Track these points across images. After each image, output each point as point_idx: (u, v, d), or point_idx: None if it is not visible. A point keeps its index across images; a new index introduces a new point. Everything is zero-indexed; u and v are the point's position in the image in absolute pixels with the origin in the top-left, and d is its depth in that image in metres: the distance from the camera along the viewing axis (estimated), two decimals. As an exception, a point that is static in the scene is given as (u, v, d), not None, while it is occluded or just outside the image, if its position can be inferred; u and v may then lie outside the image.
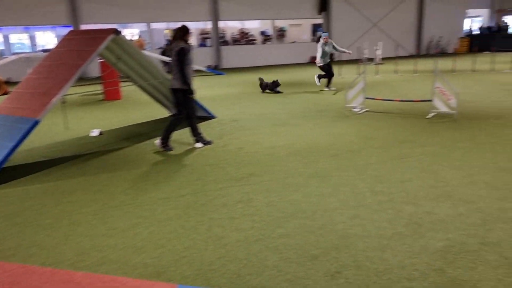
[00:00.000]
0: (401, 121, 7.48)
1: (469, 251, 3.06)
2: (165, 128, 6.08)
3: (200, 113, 8.34)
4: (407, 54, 23.62)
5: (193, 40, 21.15)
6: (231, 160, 5.55)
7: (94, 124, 8.29)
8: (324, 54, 11.53)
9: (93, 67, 14.09)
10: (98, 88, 12.66)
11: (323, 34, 11.84)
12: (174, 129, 6.09)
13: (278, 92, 11.49)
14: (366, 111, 8.34)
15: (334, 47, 11.65)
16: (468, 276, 2.74)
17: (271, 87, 11.60)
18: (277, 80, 11.60)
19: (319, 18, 22.49)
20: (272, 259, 3.05)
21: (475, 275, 2.75)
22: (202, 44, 21.14)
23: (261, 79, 12.05)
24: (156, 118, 8.67)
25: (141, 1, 18.85)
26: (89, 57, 5.81)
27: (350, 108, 8.54)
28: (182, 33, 5.79)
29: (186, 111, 6.05)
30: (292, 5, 21.54)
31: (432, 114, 7.71)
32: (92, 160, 5.86)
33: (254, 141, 6.46)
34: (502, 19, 26.38)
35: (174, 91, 5.92)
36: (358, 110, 8.41)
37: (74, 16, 17.87)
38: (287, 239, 3.33)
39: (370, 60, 18.96)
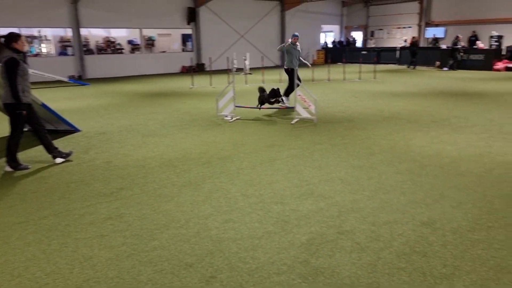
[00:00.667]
0: (269, 127, 7.95)
1: (328, 241, 3.40)
2: (6, 148, 5.45)
3: (62, 127, 7.70)
4: (272, 65, 25.18)
5: (51, 48, 19.39)
6: (99, 175, 5.24)
7: None
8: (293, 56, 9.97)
9: None
10: None
11: (294, 35, 10.28)
12: (15, 147, 5.47)
13: (279, 102, 9.16)
14: (237, 119, 8.66)
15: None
16: (327, 264, 3.04)
17: (267, 99, 9.08)
18: (277, 89, 9.07)
19: (188, 28, 22.64)
20: (146, 273, 2.97)
21: (333, 262, 3.07)
22: (63, 53, 19.50)
23: (262, 89, 9.38)
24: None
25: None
26: None
27: (222, 116, 8.78)
28: (9, 41, 5.18)
29: (33, 127, 5.55)
30: (160, 14, 21.29)
31: (296, 119, 8.36)
32: None
33: (123, 154, 6.21)
34: (351, 35, 29.93)
35: (6, 106, 5.33)
36: (230, 118, 8.68)
37: None
38: (161, 251, 3.28)
39: (240, 70, 19.73)
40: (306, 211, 4.00)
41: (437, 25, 25.29)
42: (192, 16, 22.22)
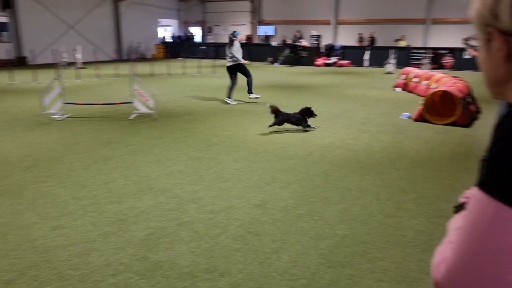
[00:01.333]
0: (105, 124, 7.50)
1: (168, 234, 3.39)
2: None
3: None
4: (108, 59, 23.77)
5: None
6: None
7: None
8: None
9: None
10: None
11: (237, 33, 10.08)
12: None
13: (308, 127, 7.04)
14: (68, 117, 7.93)
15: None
16: (166, 257, 3.03)
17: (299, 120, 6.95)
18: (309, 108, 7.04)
19: (3, 16, 19.71)
20: (-51, 300, 2.51)
21: (172, 254, 3.07)
22: None
23: (276, 110, 6.93)
24: None
25: None
26: None
27: (49, 115, 7.92)
28: None
29: None
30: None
31: (134, 115, 8.06)
32: None
33: None
34: (189, 30, 30.21)
35: None
36: (58, 116, 7.89)
37: None
38: (-30, 272, 2.80)
39: (71, 64, 18.08)
40: (145, 207, 3.91)
41: (267, 24, 27.36)
42: (6, 2, 19.39)
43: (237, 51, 9.83)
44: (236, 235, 3.35)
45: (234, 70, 10.12)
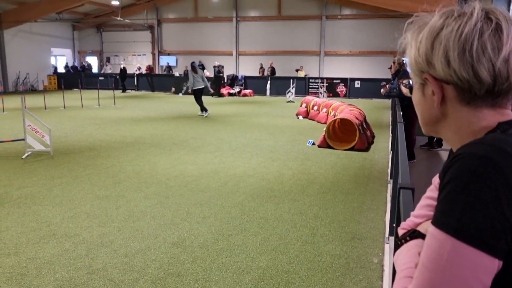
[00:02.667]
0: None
1: (78, 284, 3.07)
2: None
3: None
4: (11, 90, 21.51)
5: None
6: None
7: None
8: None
9: None
10: None
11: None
12: None
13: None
14: None
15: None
16: (79, 311, 2.74)
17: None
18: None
19: None
20: None
21: (85, 307, 2.78)
22: None
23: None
24: None
25: None
26: None
27: None
28: None
29: None
30: None
31: (28, 153, 7.33)
32: None
33: None
34: (85, 59, 28.76)
35: None
36: None
37: None
38: None
39: None
40: (49, 256, 3.51)
41: (169, 54, 27.24)
42: None
43: (202, 79, 12.51)
44: (155, 278, 3.16)
45: (201, 92, 12.67)
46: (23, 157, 7.18)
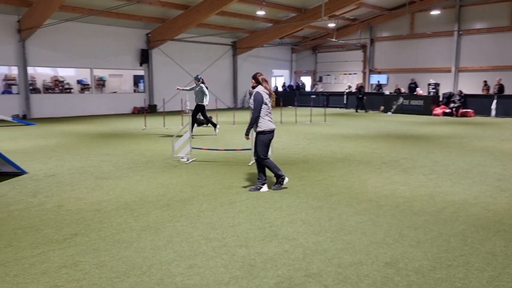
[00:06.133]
0: (227, 168, 7.92)
1: (297, 284, 3.36)
2: None
3: (7, 169, 7.24)
4: (225, 107, 25.49)
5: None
6: (49, 220, 4.92)
7: None
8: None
9: None
10: None
11: (198, 77, 12.47)
12: None
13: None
14: (194, 161, 8.58)
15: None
16: (298, 308, 3.00)
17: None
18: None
19: (141, 69, 22.57)
20: (107, 326, 2.77)
21: (304, 306, 3.03)
22: (7, 91, 18.64)
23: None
24: None
25: None
26: None
27: (178, 158, 8.65)
28: None
29: None
30: (112, 55, 21.12)
31: (253, 161, 8.40)
32: None
33: (76, 197, 5.90)
34: (300, 79, 31.18)
35: None
36: (186, 160, 8.58)
37: None
38: (123, 301, 3.09)
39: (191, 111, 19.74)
40: (272, 254, 3.95)
41: (379, 72, 27.01)
42: (144, 58, 22.24)
43: (204, 93, 12.18)
44: (368, 294, 3.19)
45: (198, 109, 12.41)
46: (249, 164, 8.26)
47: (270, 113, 6.18)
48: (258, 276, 3.50)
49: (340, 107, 25.15)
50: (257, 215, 5.13)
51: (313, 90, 28.84)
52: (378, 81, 26.51)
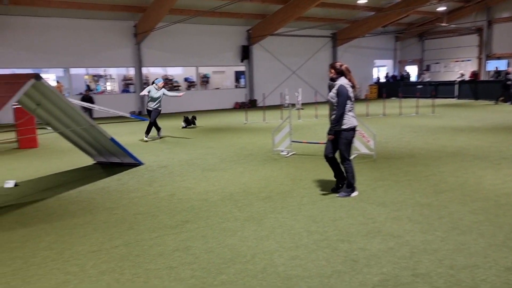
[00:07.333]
0: (326, 162, 7.82)
1: (403, 283, 3.22)
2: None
3: (127, 160, 8.06)
4: (324, 100, 25.17)
5: (115, 86, 20.65)
6: (164, 207, 5.37)
7: (8, 174, 7.60)
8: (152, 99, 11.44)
9: (5, 114, 13.11)
10: (11, 136, 11.72)
11: (157, 81, 11.71)
12: None
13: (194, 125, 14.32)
14: (293, 154, 8.65)
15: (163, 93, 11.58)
16: (405, 308, 2.87)
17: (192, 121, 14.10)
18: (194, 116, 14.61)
19: (242, 65, 23.34)
20: (216, 308, 2.95)
21: (411, 306, 2.89)
22: (125, 90, 20.72)
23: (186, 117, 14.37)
24: (79, 167, 8.18)
25: (59, 47, 18.17)
26: (5, 103, 5.41)
27: (278, 151, 8.80)
28: None
29: None
30: (215, 52, 22.16)
31: (354, 155, 8.20)
32: (7, 214, 5.32)
33: (185, 187, 6.35)
34: (405, 69, 29.48)
35: None
36: (286, 153, 8.69)
37: (-16, 60, 16.65)
38: (229, 286, 3.26)
39: (292, 105, 19.90)
40: (375, 250, 3.83)
41: (499, 58, 24.32)
42: (245, 54, 22.94)
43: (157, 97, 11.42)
44: (486, 300, 2.93)
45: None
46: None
47: (353, 108, 5.52)
48: (361, 272, 3.42)
49: (451, 97, 23.22)
50: (359, 210, 5.01)
51: (420, 80, 27.05)
52: (497, 67, 23.90)
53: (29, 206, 5.63)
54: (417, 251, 3.79)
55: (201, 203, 5.49)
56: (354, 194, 5.62)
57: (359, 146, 8.16)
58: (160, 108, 11.62)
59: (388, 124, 13.20)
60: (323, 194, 5.71)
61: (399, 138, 10.35)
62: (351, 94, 5.45)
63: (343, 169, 5.70)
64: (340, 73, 5.44)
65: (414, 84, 25.72)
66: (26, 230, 4.66)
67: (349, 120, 5.45)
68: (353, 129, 5.52)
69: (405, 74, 28.53)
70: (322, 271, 3.47)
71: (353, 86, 5.45)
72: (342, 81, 5.41)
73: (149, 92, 11.48)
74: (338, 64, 5.46)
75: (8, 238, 4.44)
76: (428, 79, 26.13)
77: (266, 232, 4.39)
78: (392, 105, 18.79)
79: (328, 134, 5.54)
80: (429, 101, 18.50)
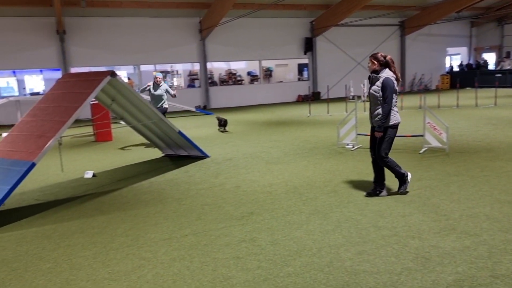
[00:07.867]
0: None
1: (481, 284, 3.03)
2: None
3: (194, 153, 8.34)
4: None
5: (181, 81, 21.41)
6: (229, 199, 5.50)
7: (87, 165, 8.19)
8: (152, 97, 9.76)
9: (84, 110, 14.10)
10: (89, 130, 12.61)
11: (157, 74, 10.06)
12: None
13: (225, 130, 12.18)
14: (359, 147, 8.43)
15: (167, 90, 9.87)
16: (484, 311, 2.70)
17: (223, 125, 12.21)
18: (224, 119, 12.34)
19: (305, 58, 23.12)
20: (282, 299, 2.97)
21: (491, 309, 2.71)
22: (191, 85, 21.41)
23: (219, 118, 12.57)
24: (149, 159, 8.61)
25: (130, 45, 19.17)
26: (85, 99, 5.82)
27: (343, 145, 8.63)
28: None
29: None
30: (278, 45, 22.15)
31: (424, 148, 7.82)
32: (87, 202, 5.75)
33: (250, 180, 6.44)
34: (481, 56, 27.48)
35: None
36: (351, 146, 8.49)
37: (64, 59, 18.03)
38: (295, 278, 3.26)
39: (357, 97, 19.36)
40: (449, 249, 3.64)
41: None
42: (309, 46, 22.68)
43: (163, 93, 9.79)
44: None
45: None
46: (420, 151, 7.71)
47: (397, 102, 5.19)
48: (434, 271, 3.27)
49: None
50: (431, 206, 4.78)
51: (498, 68, 25.07)
52: None
53: (106, 195, 6.04)
54: (497, 251, 3.54)
55: (266, 196, 5.54)
56: (384, 194, 5.29)
57: (430, 139, 7.76)
58: (166, 106, 9.87)
59: (462, 116, 12.42)
60: (391, 189, 5.51)
61: (475, 131, 9.70)
62: (397, 88, 5.11)
63: (385, 168, 5.33)
64: (385, 64, 5.05)
65: (492, 72, 23.92)
66: (105, 217, 5.00)
67: (394, 116, 5.09)
68: (397, 126, 5.18)
69: (481, 62, 26.59)
70: (392, 267, 3.36)
71: (397, 79, 5.08)
72: (387, 73, 5.03)
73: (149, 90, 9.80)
74: (381, 55, 5.07)
75: (89, 224, 4.80)
76: (508, 67, 24.13)
77: (332, 226, 4.33)
78: (467, 96, 17.64)
79: (377, 131, 5.12)
80: (509, 90, 17.12)
